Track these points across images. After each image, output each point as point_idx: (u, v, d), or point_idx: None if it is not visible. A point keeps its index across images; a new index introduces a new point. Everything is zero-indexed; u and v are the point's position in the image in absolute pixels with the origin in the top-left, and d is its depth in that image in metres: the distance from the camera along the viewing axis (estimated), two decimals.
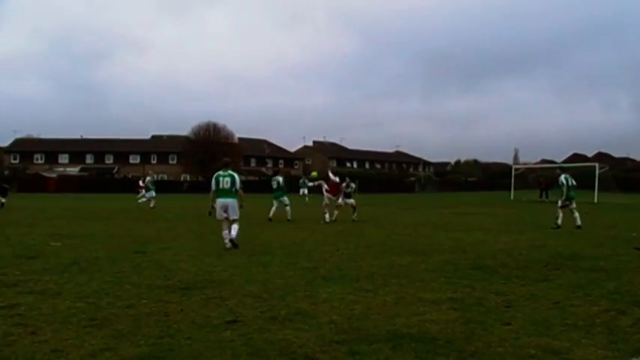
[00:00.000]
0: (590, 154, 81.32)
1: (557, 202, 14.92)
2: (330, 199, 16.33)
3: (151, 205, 23.00)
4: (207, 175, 54.62)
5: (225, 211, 9.47)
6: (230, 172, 9.73)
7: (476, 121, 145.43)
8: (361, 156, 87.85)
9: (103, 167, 70.53)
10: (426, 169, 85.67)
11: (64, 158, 71.82)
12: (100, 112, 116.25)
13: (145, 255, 8.70)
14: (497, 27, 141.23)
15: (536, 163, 72.45)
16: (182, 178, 65.11)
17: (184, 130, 65.89)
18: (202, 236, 11.68)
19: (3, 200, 22.43)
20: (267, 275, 6.90)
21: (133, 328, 4.41)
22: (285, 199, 16.28)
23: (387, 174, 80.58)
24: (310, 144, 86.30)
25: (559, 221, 14.03)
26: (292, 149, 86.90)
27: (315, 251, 9.33)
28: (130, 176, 62.43)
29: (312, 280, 6.54)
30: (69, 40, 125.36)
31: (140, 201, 25.21)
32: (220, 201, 9.52)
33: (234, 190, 9.57)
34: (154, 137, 76.35)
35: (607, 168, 37.71)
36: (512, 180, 40.15)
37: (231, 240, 9.39)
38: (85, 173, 66.55)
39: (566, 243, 10.57)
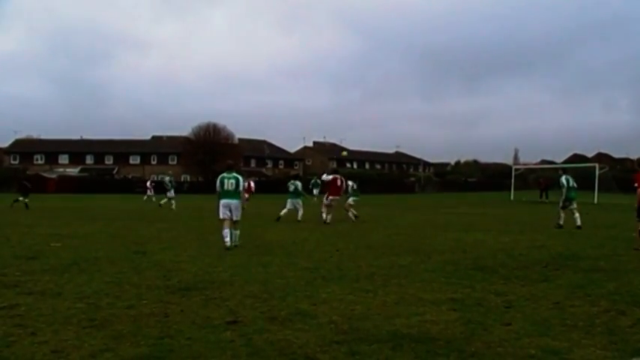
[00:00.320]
0: (590, 155, 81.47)
1: (557, 203, 15.06)
2: (332, 199, 16.22)
3: (172, 206, 22.67)
4: (208, 175, 54.83)
5: (229, 211, 9.72)
6: (234, 174, 10.06)
7: (476, 121, 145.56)
8: (361, 156, 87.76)
9: (103, 168, 70.54)
10: (426, 170, 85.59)
11: (64, 159, 71.86)
12: (100, 112, 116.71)
13: (145, 255, 8.70)
14: (498, 27, 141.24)
15: (536, 164, 72.43)
16: (182, 179, 64.93)
17: (184, 130, 66.14)
18: (202, 236, 11.69)
19: (26, 200, 22.38)
20: (267, 275, 6.90)
21: (133, 329, 4.41)
22: (300, 202, 16.57)
23: (387, 174, 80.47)
24: (310, 144, 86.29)
25: (561, 221, 14.19)
26: (292, 150, 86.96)
27: (315, 251, 9.35)
28: (130, 177, 62.45)
29: (312, 281, 6.55)
30: (69, 40, 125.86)
31: (162, 202, 24.78)
32: (225, 202, 9.79)
33: (238, 191, 9.89)
34: (153, 138, 76.40)
35: (607, 168, 37.73)
36: (512, 180, 40.18)
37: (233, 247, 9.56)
38: (85, 174, 66.45)
39: (566, 243, 10.58)
